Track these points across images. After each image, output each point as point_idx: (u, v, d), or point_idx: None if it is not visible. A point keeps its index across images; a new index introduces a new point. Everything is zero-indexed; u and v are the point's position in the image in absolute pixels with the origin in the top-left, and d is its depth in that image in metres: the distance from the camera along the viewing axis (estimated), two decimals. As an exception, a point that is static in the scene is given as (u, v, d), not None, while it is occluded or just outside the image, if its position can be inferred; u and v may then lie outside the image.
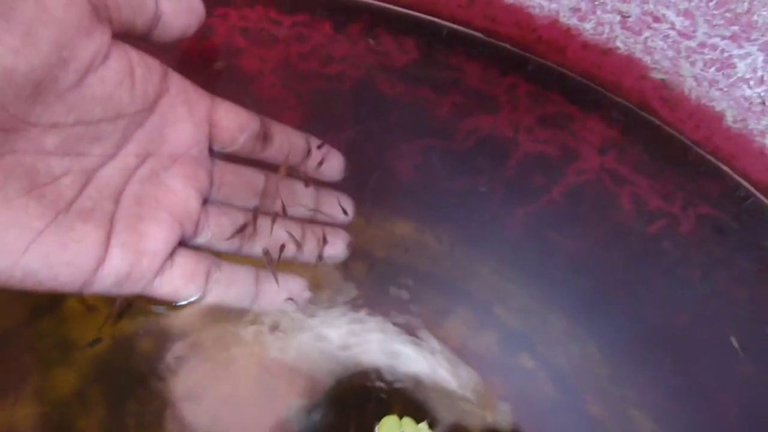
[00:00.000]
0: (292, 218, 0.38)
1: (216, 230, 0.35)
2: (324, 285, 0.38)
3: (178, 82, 0.33)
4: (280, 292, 0.36)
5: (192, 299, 0.34)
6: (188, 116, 0.33)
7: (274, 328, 0.38)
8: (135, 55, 0.30)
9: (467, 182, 0.42)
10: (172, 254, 0.33)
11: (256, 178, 0.37)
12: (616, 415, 0.37)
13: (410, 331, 0.38)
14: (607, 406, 0.37)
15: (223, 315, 0.37)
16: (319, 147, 0.38)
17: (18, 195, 0.27)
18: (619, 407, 0.37)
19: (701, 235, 0.42)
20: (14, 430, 0.35)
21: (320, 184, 0.39)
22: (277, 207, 0.37)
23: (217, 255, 0.36)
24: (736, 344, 0.38)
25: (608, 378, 0.37)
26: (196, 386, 0.37)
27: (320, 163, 0.38)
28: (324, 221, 0.39)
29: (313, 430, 0.36)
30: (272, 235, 0.36)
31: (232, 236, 0.35)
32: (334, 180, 0.39)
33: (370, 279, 0.38)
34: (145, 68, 0.31)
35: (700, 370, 0.38)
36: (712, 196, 0.43)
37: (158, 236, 0.32)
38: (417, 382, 0.37)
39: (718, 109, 0.43)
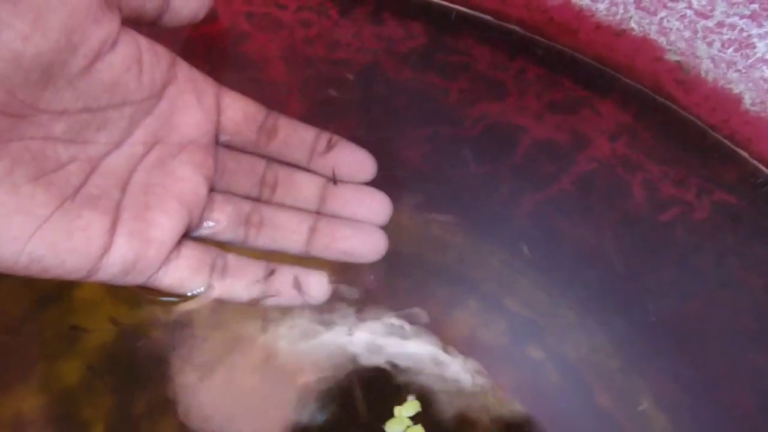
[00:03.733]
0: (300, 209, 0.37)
1: (221, 219, 0.34)
2: (331, 276, 0.37)
3: (186, 70, 0.33)
4: (294, 288, 0.35)
5: (197, 292, 0.34)
6: (197, 104, 0.33)
7: (282, 317, 0.38)
8: (143, 42, 0.30)
9: (475, 170, 0.41)
10: (178, 244, 0.33)
11: (256, 165, 0.36)
12: (625, 406, 0.36)
13: (418, 323, 0.38)
14: (617, 397, 0.36)
15: (230, 305, 0.37)
16: (329, 142, 0.37)
17: (25, 181, 0.27)
18: (628, 398, 0.36)
19: (715, 222, 0.41)
20: (21, 419, 0.35)
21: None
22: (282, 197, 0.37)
23: (223, 247, 0.35)
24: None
25: (618, 369, 0.37)
26: (203, 375, 0.37)
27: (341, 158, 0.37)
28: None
29: (318, 421, 0.36)
30: (280, 226, 0.36)
31: (239, 226, 0.35)
32: (365, 181, 0.38)
33: (379, 269, 0.38)
34: (153, 55, 0.31)
35: (712, 360, 0.38)
36: (728, 181, 0.42)
37: (166, 225, 0.32)
38: (425, 373, 0.37)
39: (735, 91, 0.42)
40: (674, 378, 0.37)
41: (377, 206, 0.37)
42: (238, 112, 0.35)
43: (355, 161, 0.37)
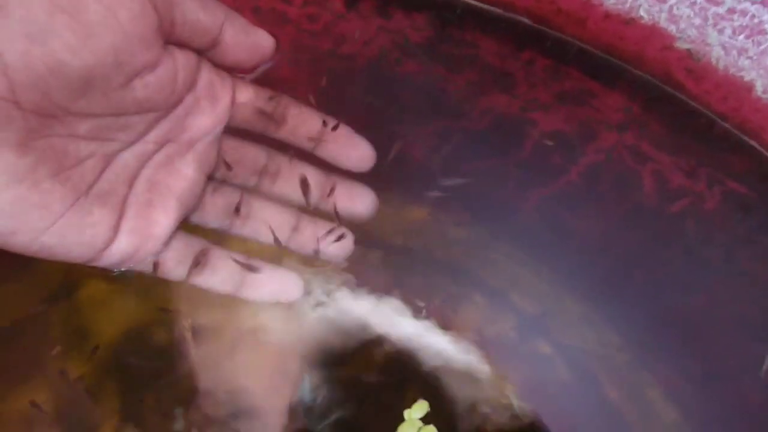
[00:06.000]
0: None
1: (210, 208, 0.35)
2: (339, 271, 0.38)
3: (206, 76, 0.33)
4: (269, 286, 0.36)
5: (175, 278, 0.35)
6: (210, 109, 0.34)
7: (289, 315, 0.38)
8: (180, 61, 0.31)
9: (482, 164, 0.41)
10: (170, 237, 0.34)
11: (258, 156, 0.37)
12: (634, 400, 0.36)
13: (425, 318, 0.38)
14: (626, 392, 0.36)
15: (238, 303, 0.38)
16: (334, 128, 0.37)
17: (46, 177, 0.28)
18: (637, 392, 0.37)
19: (725, 213, 0.41)
20: (28, 417, 0.36)
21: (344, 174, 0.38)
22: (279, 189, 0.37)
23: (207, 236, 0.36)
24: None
25: (626, 363, 0.37)
26: (213, 376, 0.37)
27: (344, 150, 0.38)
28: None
29: (324, 418, 0.36)
30: (264, 221, 0.36)
31: (226, 216, 0.36)
32: (362, 170, 0.38)
33: (384, 266, 0.38)
34: (187, 72, 0.31)
35: (722, 352, 0.38)
36: (738, 172, 0.42)
37: (164, 223, 0.33)
38: (432, 369, 0.37)
39: (747, 78, 0.42)
40: (683, 371, 0.37)
41: (362, 203, 0.38)
42: (248, 101, 0.35)
43: (358, 150, 0.38)
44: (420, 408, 0.36)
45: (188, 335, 0.38)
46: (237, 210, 0.36)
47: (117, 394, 0.37)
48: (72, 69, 0.26)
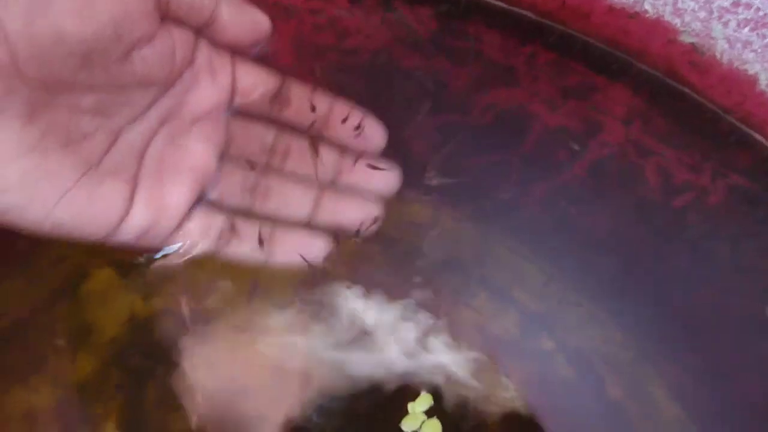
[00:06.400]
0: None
1: (226, 186, 0.35)
2: (340, 267, 0.38)
3: (205, 52, 0.33)
4: (296, 248, 0.36)
5: (205, 252, 0.35)
6: (211, 85, 0.34)
7: (291, 314, 0.38)
8: (177, 36, 0.31)
9: (485, 159, 0.41)
10: (189, 210, 0.34)
11: (265, 134, 0.37)
12: (638, 397, 0.36)
13: (427, 314, 0.38)
14: (629, 389, 0.36)
15: (242, 297, 0.38)
16: (343, 120, 0.37)
17: (54, 148, 0.28)
18: (641, 390, 0.36)
19: (730, 207, 0.40)
20: (33, 413, 0.36)
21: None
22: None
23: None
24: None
25: (630, 360, 0.37)
26: (215, 370, 0.37)
27: (357, 128, 0.38)
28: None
29: (328, 413, 0.36)
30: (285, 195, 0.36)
31: (244, 193, 0.36)
32: (374, 150, 0.38)
33: (386, 261, 0.38)
34: (185, 48, 0.32)
35: (726, 348, 0.38)
36: (743, 166, 0.42)
37: (179, 194, 0.33)
38: (433, 365, 0.37)
39: (751, 72, 0.41)
40: (687, 367, 0.37)
41: (384, 181, 0.38)
42: (252, 83, 0.36)
43: (369, 131, 0.38)
44: (423, 401, 0.36)
45: (190, 330, 0.38)
46: (254, 188, 0.36)
47: (119, 390, 0.37)
48: (73, 39, 0.26)
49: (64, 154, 0.29)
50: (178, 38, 0.31)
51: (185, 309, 0.38)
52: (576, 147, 0.41)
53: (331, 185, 0.37)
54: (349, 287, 0.39)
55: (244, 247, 0.35)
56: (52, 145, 0.28)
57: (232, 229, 0.35)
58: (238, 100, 0.35)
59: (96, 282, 0.39)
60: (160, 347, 0.38)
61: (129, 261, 0.39)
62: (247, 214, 0.36)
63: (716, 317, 0.38)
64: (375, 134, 0.38)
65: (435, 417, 0.36)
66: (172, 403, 0.37)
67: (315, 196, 0.37)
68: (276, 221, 0.36)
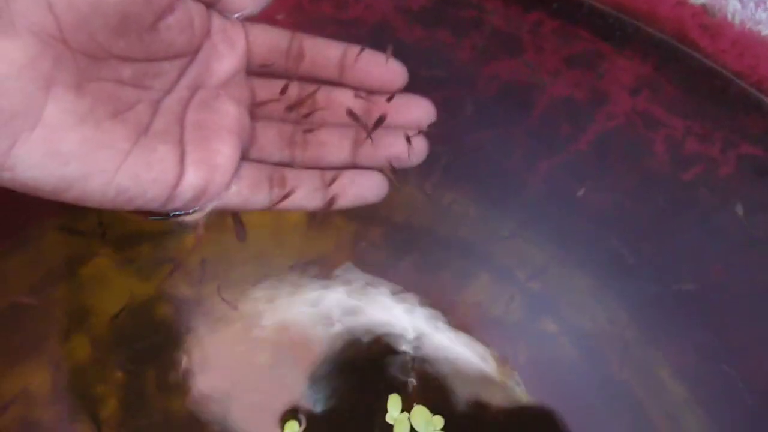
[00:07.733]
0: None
1: (264, 141, 0.36)
2: (341, 250, 0.37)
3: (218, 22, 0.35)
4: (354, 189, 0.36)
5: (261, 207, 0.35)
6: (230, 52, 0.35)
7: (291, 295, 0.38)
8: (192, 5, 0.32)
9: (488, 134, 0.40)
10: (236, 167, 0.35)
11: (289, 91, 0.37)
12: (644, 379, 0.36)
13: (429, 296, 0.38)
14: (635, 371, 0.36)
15: (240, 282, 0.38)
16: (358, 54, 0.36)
17: (105, 118, 0.29)
18: (647, 371, 0.36)
19: (740, 177, 0.39)
20: (31, 396, 0.36)
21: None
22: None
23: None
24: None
25: (636, 341, 0.37)
26: (214, 352, 0.38)
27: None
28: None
29: (326, 395, 0.37)
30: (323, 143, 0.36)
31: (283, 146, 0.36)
32: (396, 89, 0.37)
33: (388, 243, 0.38)
34: (201, 17, 0.33)
35: (734, 326, 0.37)
36: (755, 133, 0.40)
37: (225, 152, 0.34)
38: (435, 348, 0.37)
39: (765, 33, 0.40)
40: (693, 347, 0.36)
41: (421, 110, 0.37)
42: (265, 44, 0.36)
43: (386, 70, 0.37)
44: (393, 403, 0.37)
45: (190, 312, 0.38)
46: (292, 140, 0.36)
47: (118, 370, 0.37)
48: (109, 6, 0.28)
49: (114, 124, 0.30)
50: (194, 8, 0.33)
51: (183, 289, 0.38)
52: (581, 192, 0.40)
53: (365, 126, 0.37)
54: (349, 269, 0.38)
55: (300, 197, 0.36)
56: (102, 116, 0.29)
57: (282, 181, 0.36)
58: (257, 60, 0.36)
59: (95, 264, 0.39)
60: (159, 329, 0.38)
61: (128, 243, 0.39)
62: (293, 165, 0.36)
63: (726, 294, 0.37)
64: (397, 70, 0.37)
65: (422, 405, 0.36)
66: (172, 384, 0.37)
67: (353, 138, 0.37)
68: (324, 168, 0.37)
